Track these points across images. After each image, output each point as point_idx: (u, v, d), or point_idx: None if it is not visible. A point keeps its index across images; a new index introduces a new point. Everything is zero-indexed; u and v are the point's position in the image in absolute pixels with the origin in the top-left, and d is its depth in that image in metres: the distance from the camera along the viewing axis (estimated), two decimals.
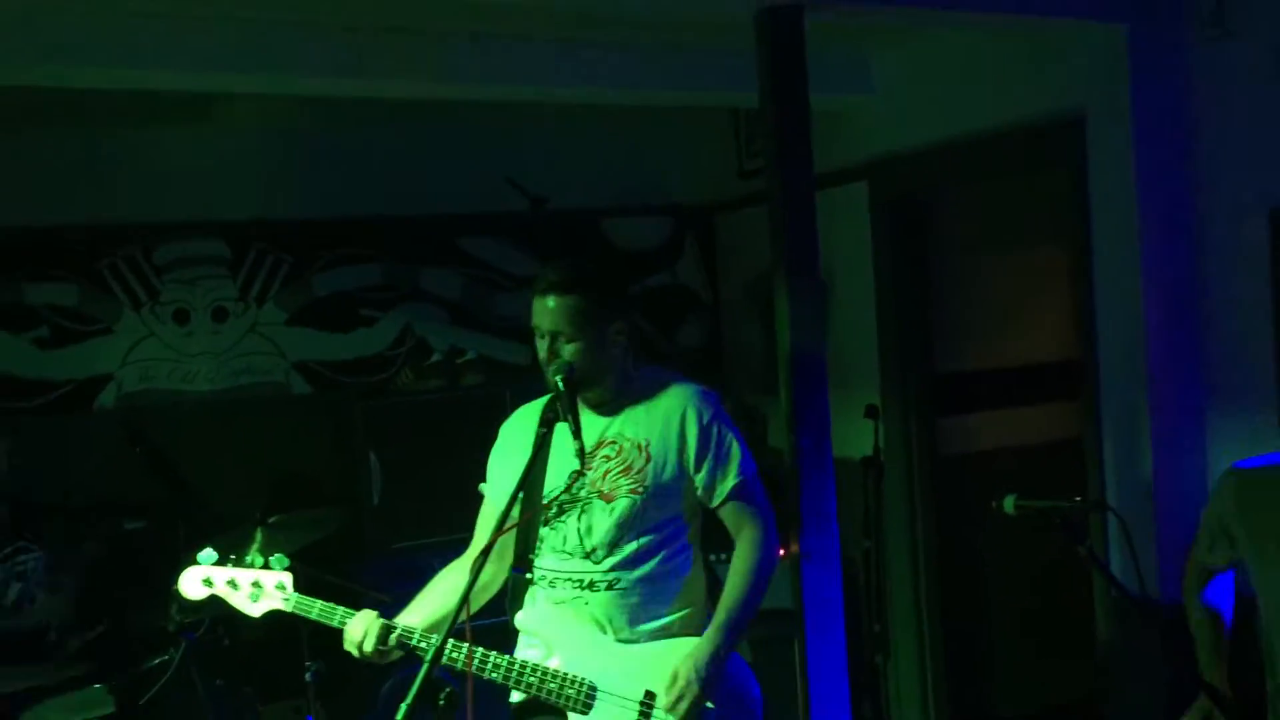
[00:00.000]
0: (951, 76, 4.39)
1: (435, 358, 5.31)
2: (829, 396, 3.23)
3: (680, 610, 2.79)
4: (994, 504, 2.77)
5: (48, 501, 4.33)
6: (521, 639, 2.82)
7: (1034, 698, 5.03)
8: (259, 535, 3.75)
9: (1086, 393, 3.86)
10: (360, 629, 2.69)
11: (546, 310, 2.70)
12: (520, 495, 2.59)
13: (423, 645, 2.67)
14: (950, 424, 4.89)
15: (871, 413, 4.60)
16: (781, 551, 2.94)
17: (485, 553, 2.46)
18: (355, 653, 2.71)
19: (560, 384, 2.65)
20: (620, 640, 2.74)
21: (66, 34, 3.46)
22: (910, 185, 4.69)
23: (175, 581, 2.86)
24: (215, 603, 2.87)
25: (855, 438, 4.61)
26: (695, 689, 2.62)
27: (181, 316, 4.94)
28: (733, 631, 2.71)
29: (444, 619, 2.60)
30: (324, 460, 4.99)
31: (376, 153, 5.15)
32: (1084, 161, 3.77)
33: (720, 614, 2.73)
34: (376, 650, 2.67)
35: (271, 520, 3.80)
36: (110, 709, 3.65)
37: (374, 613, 2.71)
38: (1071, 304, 4.37)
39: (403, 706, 2.24)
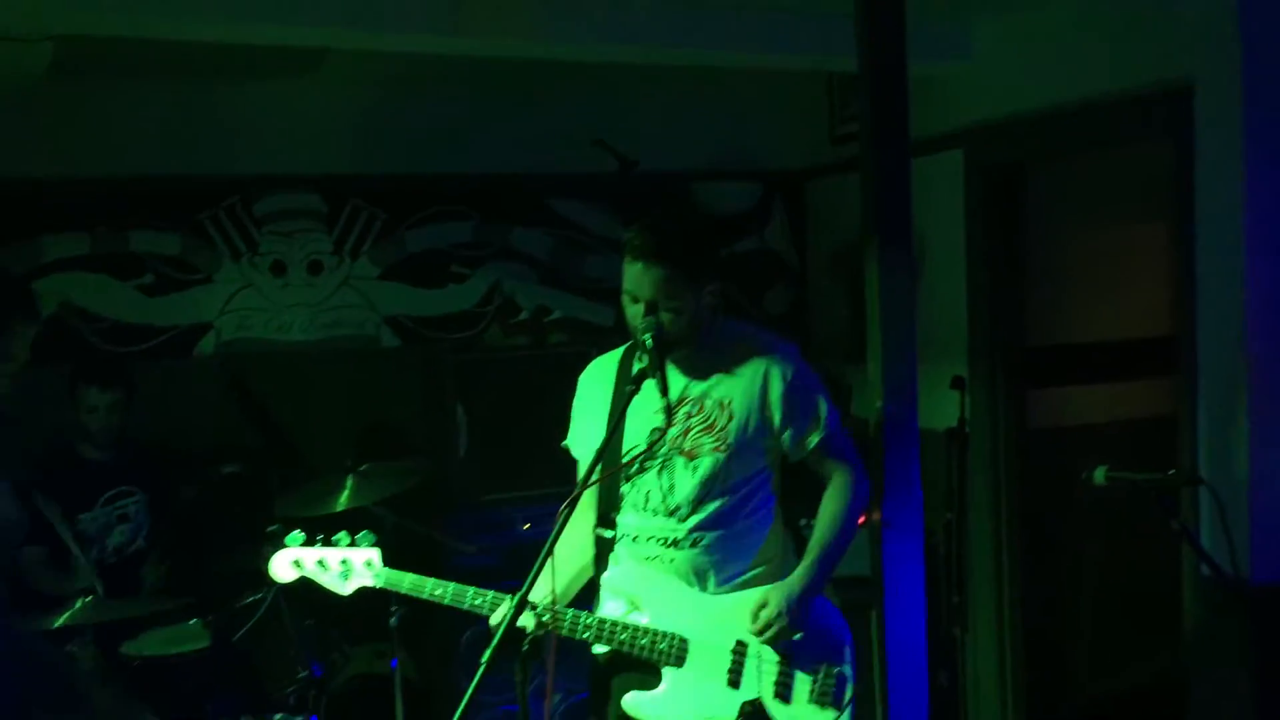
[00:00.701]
0: (1052, 44, 4.29)
1: (523, 315, 5.38)
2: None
3: (763, 563, 2.83)
4: (1084, 475, 2.75)
5: (150, 444, 4.48)
6: (604, 594, 2.86)
7: (1114, 676, 4.96)
8: (349, 483, 3.84)
9: (1184, 370, 3.77)
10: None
11: (641, 277, 2.68)
12: (604, 453, 2.62)
13: (563, 621, 2.70)
14: (1038, 397, 4.82)
15: (958, 384, 4.55)
16: (861, 520, 2.94)
17: (572, 503, 2.50)
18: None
19: (649, 341, 2.66)
20: (706, 593, 2.77)
21: None
22: (1006, 154, 4.61)
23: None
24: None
25: (940, 409, 4.56)
26: (785, 619, 2.65)
27: (279, 268, 5.05)
28: (823, 568, 2.74)
29: (564, 589, 2.68)
30: (412, 412, 5.08)
31: (471, 111, 5.19)
32: (1190, 133, 3.67)
33: (811, 552, 2.75)
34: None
35: (362, 469, 3.89)
36: (206, 643, 3.79)
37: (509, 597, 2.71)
38: (1168, 279, 4.27)
39: (486, 652, 2.30)
